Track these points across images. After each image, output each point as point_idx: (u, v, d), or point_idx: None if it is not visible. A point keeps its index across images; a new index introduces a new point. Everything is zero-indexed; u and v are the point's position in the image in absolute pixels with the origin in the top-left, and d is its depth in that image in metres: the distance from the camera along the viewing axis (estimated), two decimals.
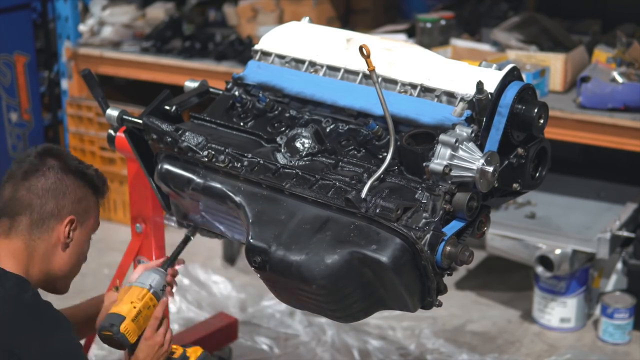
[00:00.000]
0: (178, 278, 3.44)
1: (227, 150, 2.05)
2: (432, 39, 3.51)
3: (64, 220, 1.94)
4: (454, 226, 1.86)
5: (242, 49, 3.80)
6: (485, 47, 3.50)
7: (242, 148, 2.06)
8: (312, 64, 2.19)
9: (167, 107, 2.21)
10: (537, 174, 2.02)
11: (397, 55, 2.09)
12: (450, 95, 1.99)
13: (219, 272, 3.55)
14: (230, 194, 2.00)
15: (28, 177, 1.94)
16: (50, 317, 1.87)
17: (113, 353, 3.02)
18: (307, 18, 2.31)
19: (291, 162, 2.01)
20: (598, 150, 3.33)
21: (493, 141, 1.90)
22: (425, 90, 2.03)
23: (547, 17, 3.55)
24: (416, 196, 1.86)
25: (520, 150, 1.94)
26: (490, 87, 1.91)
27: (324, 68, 2.16)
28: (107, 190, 2.07)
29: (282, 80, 2.19)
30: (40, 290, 1.95)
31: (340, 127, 2.09)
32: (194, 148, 2.07)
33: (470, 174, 1.84)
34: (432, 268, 1.81)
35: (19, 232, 1.93)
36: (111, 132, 2.27)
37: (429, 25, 3.54)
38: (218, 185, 2.03)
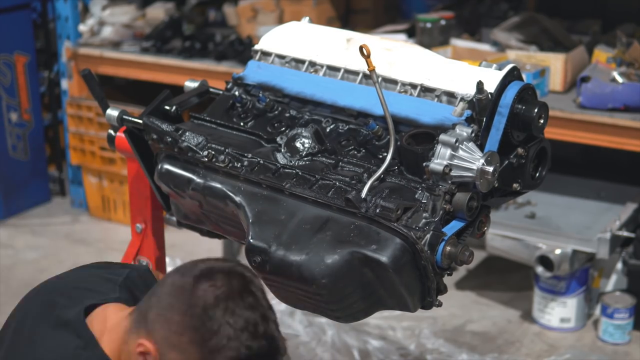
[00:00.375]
0: None
1: (227, 150, 2.05)
2: (432, 39, 3.51)
3: (143, 342, 1.58)
4: (454, 226, 1.86)
5: (242, 49, 3.80)
6: (485, 47, 3.50)
7: (242, 148, 2.06)
8: (312, 64, 2.18)
9: (167, 107, 2.21)
10: (537, 174, 2.02)
11: (397, 55, 2.09)
12: (450, 95, 1.99)
13: None
14: (230, 194, 2.00)
15: (174, 283, 1.60)
16: None
17: None
18: (307, 18, 2.31)
19: (291, 162, 2.01)
20: (598, 150, 3.33)
21: (493, 141, 1.90)
22: (425, 90, 2.03)
23: (547, 17, 3.55)
24: (416, 196, 1.86)
25: (520, 150, 1.94)
26: (490, 87, 1.91)
27: (324, 68, 2.16)
28: None
29: (282, 80, 2.19)
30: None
31: (340, 127, 2.09)
32: (194, 148, 2.07)
33: (470, 174, 1.84)
34: (432, 268, 1.81)
35: (133, 316, 1.65)
36: (111, 132, 2.27)
37: (429, 25, 3.55)
38: (218, 185, 2.03)
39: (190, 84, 2.33)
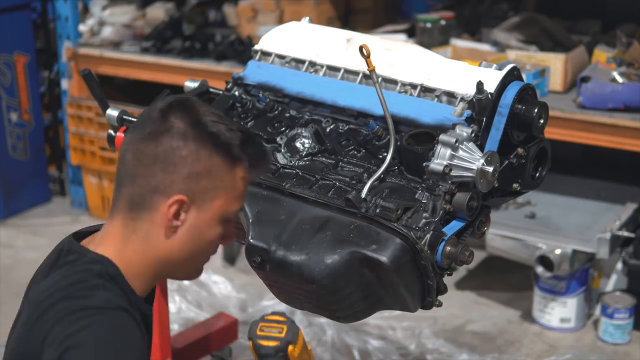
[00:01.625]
0: None
1: None
2: (432, 39, 3.51)
3: (169, 199, 1.53)
4: (454, 226, 1.86)
5: (242, 49, 3.80)
6: (485, 47, 3.50)
7: None
8: (312, 64, 2.18)
9: None
10: (537, 174, 2.02)
11: (397, 55, 2.09)
12: (450, 95, 1.99)
13: (219, 272, 3.55)
14: None
15: (143, 140, 1.54)
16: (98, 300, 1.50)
17: None
18: (307, 18, 2.31)
19: (291, 162, 2.01)
20: (598, 150, 3.33)
21: (493, 141, 1.90)
22: (425, 90, 2.03)
23: (547, 17, 3.55)
24: (416, 196, 1.86)
25: (520, 150, 1.94)
26: (490, 87, 1.91)
27: (324, 68, 2.16)
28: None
29: (282, 80, 2.19)
30: None
31: (340, 127, 2.09)
32: None
33: (470, 174, 1.84)
34: (432, 268, 1.81)
35: (119, 208, 1.61)
36: (111, 132, 2.27)
37: (429, 25, 3.54)
38: None
39: (190, 84, 2.33)
